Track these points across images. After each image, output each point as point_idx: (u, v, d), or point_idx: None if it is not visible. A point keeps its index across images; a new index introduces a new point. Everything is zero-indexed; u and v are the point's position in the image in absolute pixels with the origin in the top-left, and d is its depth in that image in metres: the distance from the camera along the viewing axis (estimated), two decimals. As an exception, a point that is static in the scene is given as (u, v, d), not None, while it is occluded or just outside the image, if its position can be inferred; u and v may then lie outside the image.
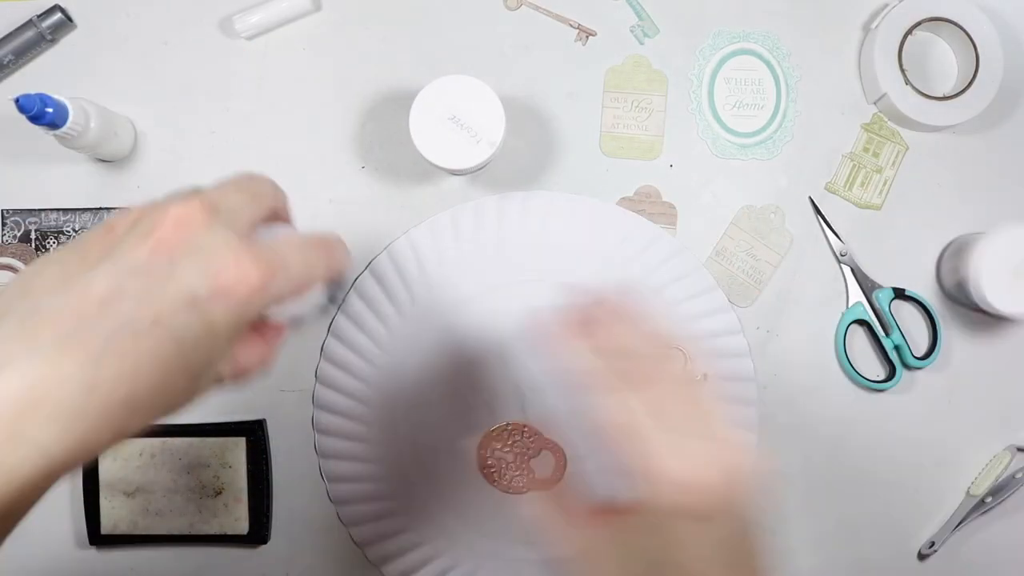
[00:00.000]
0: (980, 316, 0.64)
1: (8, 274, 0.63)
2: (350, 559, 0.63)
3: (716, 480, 0.39)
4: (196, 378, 0.33)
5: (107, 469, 0.61)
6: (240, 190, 0.36)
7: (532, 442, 0.62)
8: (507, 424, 0.62)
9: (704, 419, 0.41)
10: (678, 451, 0.39)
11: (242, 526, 0.62)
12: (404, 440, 0.63)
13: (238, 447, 0.61)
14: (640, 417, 0.40)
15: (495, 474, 0.62)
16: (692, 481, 0.39)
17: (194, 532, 0.62)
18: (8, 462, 0.29)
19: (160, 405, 0.33)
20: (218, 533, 0.62)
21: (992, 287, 0.59)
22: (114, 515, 0.61)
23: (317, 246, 0.37)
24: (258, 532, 0.62)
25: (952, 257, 0.63)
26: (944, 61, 0.65)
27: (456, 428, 0.63)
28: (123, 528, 0.62)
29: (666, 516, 0.39)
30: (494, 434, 0.62)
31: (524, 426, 0.62)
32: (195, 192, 0.34)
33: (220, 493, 0.61)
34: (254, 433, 0.62)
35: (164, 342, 0.31)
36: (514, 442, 0.62)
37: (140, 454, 0.61)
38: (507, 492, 0.63)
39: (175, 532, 0.62)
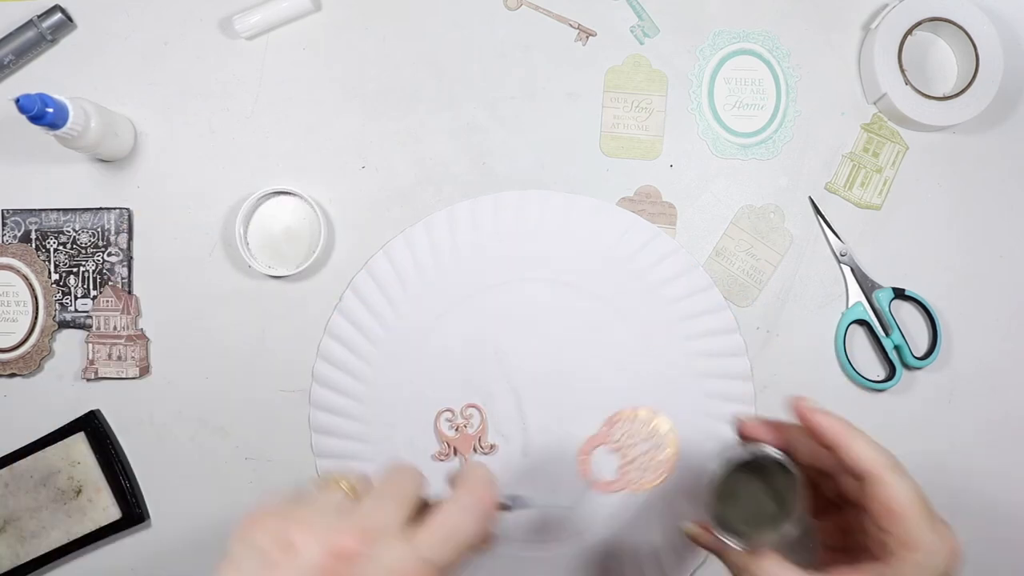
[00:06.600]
0: (980, 315, 0.64)
1: (8, 274, 0.63)
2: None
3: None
4: None
5: None
6: (386, 499, 0.42)
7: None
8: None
9: None
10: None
11: (113, 513, 0.63)
12: (400, 438, 0.63)
13: (79, 442, 0.63)
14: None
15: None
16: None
17: (73, 537, 0.62)
18: None
19: None
20: (94, 528, 0.62)
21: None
22: None
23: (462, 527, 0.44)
24: (131, 513, 0.63)
25: None
26: (944, 61, 0.65)
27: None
28: (7, 564, 0.62)
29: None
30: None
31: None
32: (347, 515, 0.40)
33: (80, 492, 0.62)
34: (89, 424, 0.63)
35: None
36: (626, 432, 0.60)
37: None
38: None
39: (56, 545, 0.62)
